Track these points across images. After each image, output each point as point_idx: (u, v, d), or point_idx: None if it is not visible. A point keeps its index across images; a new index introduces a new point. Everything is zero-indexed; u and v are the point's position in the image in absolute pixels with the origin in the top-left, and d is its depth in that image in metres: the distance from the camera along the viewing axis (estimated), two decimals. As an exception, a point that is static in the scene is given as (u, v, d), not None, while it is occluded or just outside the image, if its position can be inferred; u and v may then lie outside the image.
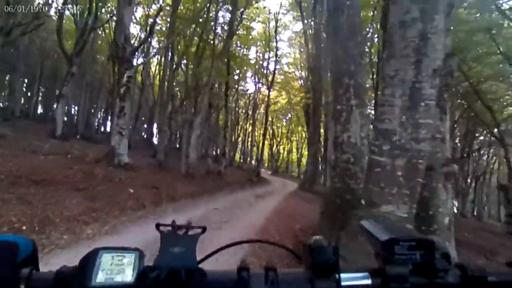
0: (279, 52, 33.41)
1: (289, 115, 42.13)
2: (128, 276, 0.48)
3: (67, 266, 0.52)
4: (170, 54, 17.43)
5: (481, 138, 28.95)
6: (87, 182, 8.03)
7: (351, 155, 4.45)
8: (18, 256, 0.51)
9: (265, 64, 30.61)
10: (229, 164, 33.29)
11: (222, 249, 0.65)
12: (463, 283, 0.52)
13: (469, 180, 31.27)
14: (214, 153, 35.95)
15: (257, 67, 32.96)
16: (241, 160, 40.17)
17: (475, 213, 31.51)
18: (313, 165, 16.52)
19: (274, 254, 4.60)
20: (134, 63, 12.99)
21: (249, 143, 37.23)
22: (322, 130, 21.18)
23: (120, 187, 8.47)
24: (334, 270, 0.52)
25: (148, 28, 14.76)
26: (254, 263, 4.23)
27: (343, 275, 0.52)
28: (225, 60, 17.11)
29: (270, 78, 23.84)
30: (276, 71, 32.81)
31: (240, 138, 41.38)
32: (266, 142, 48.99)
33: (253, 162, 52.76)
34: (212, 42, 16.79)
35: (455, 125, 26.12)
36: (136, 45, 15.07)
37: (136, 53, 26.22)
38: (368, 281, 0.52)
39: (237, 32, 17.54)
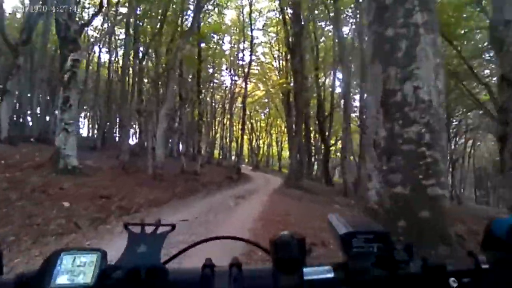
0: (254, 41, 31.54)
1: (267, 109, 40.18)
2: (89, 277, 0.46)
3: (28, 271, 0.50)
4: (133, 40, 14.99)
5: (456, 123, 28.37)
6: (2, 196, 5.73)
7: (424, 126, 2.25)
8: None
9: (240, 55, 28.48)
10: (207, 161, 31.18)
11: (189, 248, 0.62)
12: (424, 273, 0.52)
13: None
14: (192, 150, 33.63)
15: (232, 58, 30.88)
16: (221, 157, 37.89)
17: (452, 197, 31.13)
18: (298, 157, 14.59)
19: None
20: (96, 51, 10.69)
21: (227, 139, 34.83)
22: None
23: (54, 199, 6.22)
24: (298, 265, 0.51)
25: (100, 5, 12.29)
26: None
27: (306, 270, 0.51)
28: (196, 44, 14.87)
29: (246, 69, 21.71)
30: (252, 62, 30.85)
31: (218, 134, 39.13)
32: (245, 137, 47.11)
33: (233, 158, 50.67)
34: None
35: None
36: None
37: (97, 42, 23.66)
38: (331, 275, 0.52)
39: (207, 11, 15.28)
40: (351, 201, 10.25)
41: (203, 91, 30.91)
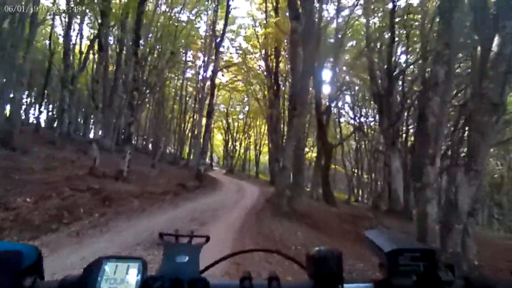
0: (234, 27, 25.21)
1: (247, 107, 33.70)
2: (131, 285, 0.44)
3: (71, 275, 0.48)
4: None
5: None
6: None
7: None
8: (23, 264, 0.46)
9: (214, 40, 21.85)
10: (173, 161, 24.45)
11: (225, 259, 0.59)
12: None
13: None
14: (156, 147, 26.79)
15: (208, 41, 24.40)
16: (191, 157, 30.91)
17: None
18: (297, 161, 7.85)
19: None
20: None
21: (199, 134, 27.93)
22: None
23: None
24: (337, 280, 0.47)
25: None
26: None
27: (346, 286, 0.48)
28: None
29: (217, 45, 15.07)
30: (230, 45, 24.42)
31: (189, 131, 32.11)
32: (220, 137, 40.19)
33: (207, 159, 43.55)
34: None
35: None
36: None
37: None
38: None
39: None
40: None
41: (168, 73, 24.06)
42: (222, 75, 27.73)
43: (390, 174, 17.13)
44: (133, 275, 0.45)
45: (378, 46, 17.49)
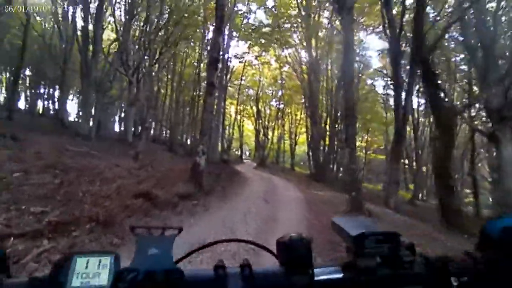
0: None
1: (281, 91, 27.36)
2: (104, 279, 0.42)
3: (40, 273, 0.45)
4: None
5: None
6: None
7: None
8: None
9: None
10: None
11: (198, 250, 0.58)
12: (427, 272, 0.50)
13: None
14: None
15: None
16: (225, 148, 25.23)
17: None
18: None
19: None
20: None
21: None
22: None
23: None
24: (307, 265, 0.48)
25: None
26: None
27: (316, 270, 0.48)
28: None
29: None
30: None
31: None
32: (250, 125, 34.29)
33: (237, 150, 37.94)
34: None
35: None
36: None
37: None
38: (340, 275, 0.49)
39: None
40: None
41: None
42: (248, 49, 21.89)
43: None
44: (105, 268, 0.42)
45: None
